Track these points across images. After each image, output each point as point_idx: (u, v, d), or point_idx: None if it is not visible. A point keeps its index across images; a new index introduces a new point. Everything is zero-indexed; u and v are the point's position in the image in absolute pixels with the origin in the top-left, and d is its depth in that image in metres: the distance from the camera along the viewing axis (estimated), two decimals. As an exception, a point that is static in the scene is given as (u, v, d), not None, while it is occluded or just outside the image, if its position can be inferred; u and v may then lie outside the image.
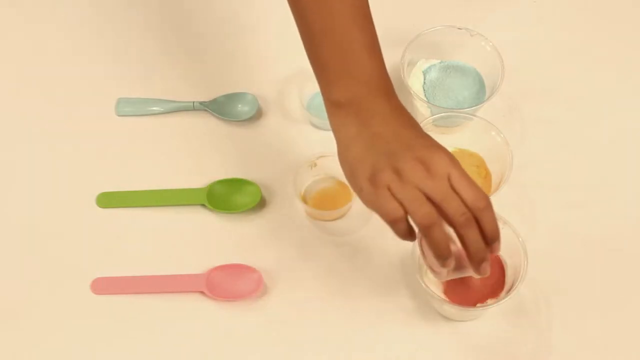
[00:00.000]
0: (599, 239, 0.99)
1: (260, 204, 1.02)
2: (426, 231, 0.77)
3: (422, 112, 1.04)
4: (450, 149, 1.00)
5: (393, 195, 0.77)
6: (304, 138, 1.07)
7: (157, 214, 1.03)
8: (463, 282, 0.92)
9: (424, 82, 1.06)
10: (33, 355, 0.96)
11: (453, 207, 0.77)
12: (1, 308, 0.98)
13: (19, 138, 1.09)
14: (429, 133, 0.98)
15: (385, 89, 0.82)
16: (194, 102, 1.09)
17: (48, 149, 1.08)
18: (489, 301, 0.92)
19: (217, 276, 0.97)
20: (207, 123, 1.09)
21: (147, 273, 0.99)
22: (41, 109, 1.11)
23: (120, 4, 1.19)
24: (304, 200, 1.02)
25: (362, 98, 0.81)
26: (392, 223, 0.78)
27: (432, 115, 1.00)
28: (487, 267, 0.80)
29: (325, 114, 1.08)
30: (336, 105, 0.82)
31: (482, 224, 0.78)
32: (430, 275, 0.93)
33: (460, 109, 1.04)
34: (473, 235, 0.78)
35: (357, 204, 1.00)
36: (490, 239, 0.79)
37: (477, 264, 0.79)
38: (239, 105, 1.08)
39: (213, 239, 1.01)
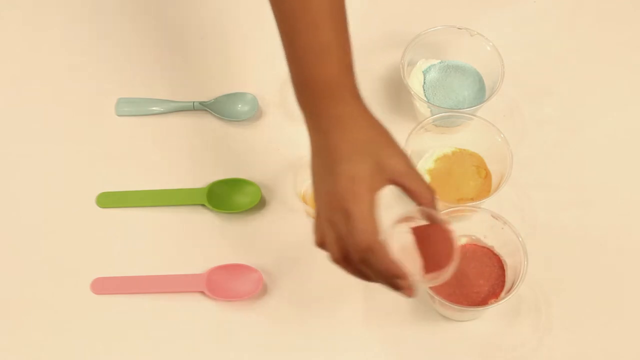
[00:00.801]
0: (599, 239, 0.99)
1: (260, 204, 1.02)
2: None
3: (422, 112, 1.04)
4: (450, 149, 1.01)
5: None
6: (304, 138, 1.06)
7: (157, 214, 1.03)
8: (455, 277, 0.92)
9: (424, 82, 1.06)
10: (33, 355, 0.96)
11: (333, 247, 0.78)
12: (1, 308, 0.98)
13: (18, 138, 1.09)
14: (429, 133, 0.99)
15: (332, 95, 0.80)
16: (194, 102, 1.09)
17: (48, 149, 1.08)
18: (489, 301, 0.92)
19: (217, 276, 0.98)
20: (207, 123, 1.09)
21: (147, 273, 0.99)
22: (41, 109, 1.11)
23: (120, 4, 1.19)
24: (304, 200, 1.02)
25: (310, 110, 0.81)
26: (317, 247, 0.80)
27: (432, 115, 1.00)
28: (405, 294, 0.79)
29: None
30: (302, 112, 0.82)
31: (371, 266, 0.77)
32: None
33: (460, 109, 1.04)
34: (369, 272, 0.78)
35: (357, 204, 1.00)
36: (383, 279, 0.78)
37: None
38: (239, 105, 1.08)
39: (213, 239, 1.01)
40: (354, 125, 0.79)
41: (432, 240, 0.84)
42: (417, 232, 0.84)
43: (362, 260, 0.77)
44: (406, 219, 0.84)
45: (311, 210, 1.00)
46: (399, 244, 0.83)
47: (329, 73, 0.80)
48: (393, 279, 0.78)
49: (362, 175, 0.77)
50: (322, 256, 0.99)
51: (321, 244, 0.80)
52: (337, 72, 0.80)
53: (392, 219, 0.83)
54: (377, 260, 0.76)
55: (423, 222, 0.83)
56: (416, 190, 0.80)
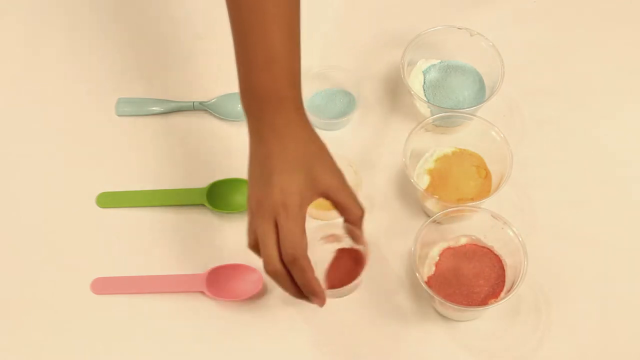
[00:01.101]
0: (599, 239, 0.99)
1: (260, 204, 1.02)
2: None
3: (422, 112, 1.04)
4: (450, 149, 1.01)
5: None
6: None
7: (157, 214, 1.03)
8: (455, 277, 0.93)
9: (424, 82, 1.06)
10: (33, 355, 0.96)
11: (263, 254, 0.80)
12: (1, 308, 0.98)
13: (19, 138, 1.09)
14: (429, 133, 0.99)
15: (275, 105, 0.82)
16: (194, 102, 1.09)
17: (48, 149, 1.08)
18: (489, 301, 0.92)
19: (217, 276, 0.97)
20: (207, 123, 1.09)
21: (147, 273, 0.99)
22: (41, 109, 1.11)
23: (120, 4, 1.19)
24: (304, 200, 1.02)
25: (253, 117, 0.83)
26: (250, 249, 0.83)
27: (432, 115, 1.00)
28: (317, 303, 0.83)
29: (325, 114, 1.08)
30: (245, 114, 0.84)
31: (294, 278, 0.81)
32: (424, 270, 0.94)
33: (460, 109, 1.04)
34: (281, 284, 0.81)
35: (357, 204, 1.00)
36: (305, 293, 0.82)
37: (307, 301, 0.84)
38: (239, 106, 1.07)
39: (213, 239, 1.01)
40: (292, 137, 0.82)
41: (348, 263, 0.92)
42: (340, 252, 0.92)
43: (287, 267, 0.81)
44: (333, 236, 0.91)
45: (311, 210, 1.00)
46: (318, 259, 0.89)
47: (274, 83, 0.82)
48: (309, 294, 0.82)
49: (294, 189, 0.80)
50: (322, 256, 0.99)
51: (253, 246, 0.83)
52: (283, 83, 0.82)
53: (319, 235, 0.88)
54: (300, 274, 0.80)
55: (349, 241, 0.90)
56: (346, 206, 0.83)
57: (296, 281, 0.81)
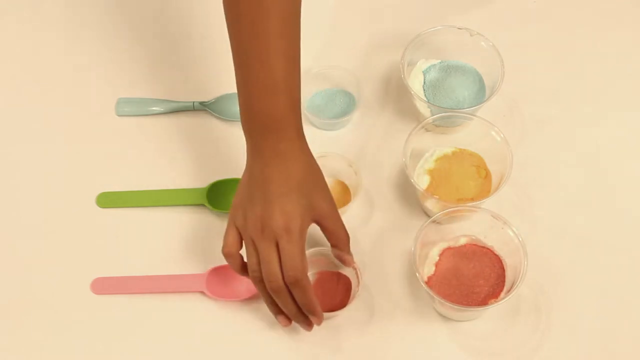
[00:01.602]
0: (599, 238, 0.99)
1: (260, 204, 1.02)
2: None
3: (422, 112, 1.04)
4: (450, 149, 1.01)
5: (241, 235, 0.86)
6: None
7: (157, 214, 1.03)
8: (455, 277, 0.93)
9: (424, 82, 1.06)
10: (33, 355, 0.96)
11: (265, 271, 0.83)
12: (1, 308, 0.98)
13: (19, 138, 1.09)
14: (429, 133, 0.99)
15: (277, 130, 0.85)
16: (194, 102, 1.09)
17: (48, 149, 1.08)
18: (489, 301, 0.92)
19: (217, 276, 0.97)
20: (207, 123, 1.09)
21: (147, 273, 0.99)
22: (41, 109, 1.11)
23: (120, 4, 1.19)
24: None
25: (254, 138, 0.86)
26: (224, 255, 0.86)
27: (432, 115, 1.00)
28: (315, 323, 0.88)
29: (325, 114, 1.08)
30: (245, 133, 0.87)
31: (294, 297, 0.85)
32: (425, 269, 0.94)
33: (460, 109, 1.04)
34: (282, 301, 0.85)
35: (357, 204, 1.00)
36: (305, 312, 0.86)
37: (298, 323, 0.88)
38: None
39: (213, 239, 1.01)
40: (294, 163, 0.85)
41: (332, 285, 0.95)
42: (322, 275, 0.95)
43: (288, 287, 0.85)
44: (317, 259, 0.94)
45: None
46: None
47: (275, 110, 0.84)
48: (309, 313, 0.86)
49: (296, 213, 0.83)
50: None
51: (228, 254, 0.86)
52: (284, 110, 0.84)
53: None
54: (301, 294, 0.84)
55: (333, 263, 0.93)
56: (334, 232, 0.87)
57: (297, 301, 0.85)
